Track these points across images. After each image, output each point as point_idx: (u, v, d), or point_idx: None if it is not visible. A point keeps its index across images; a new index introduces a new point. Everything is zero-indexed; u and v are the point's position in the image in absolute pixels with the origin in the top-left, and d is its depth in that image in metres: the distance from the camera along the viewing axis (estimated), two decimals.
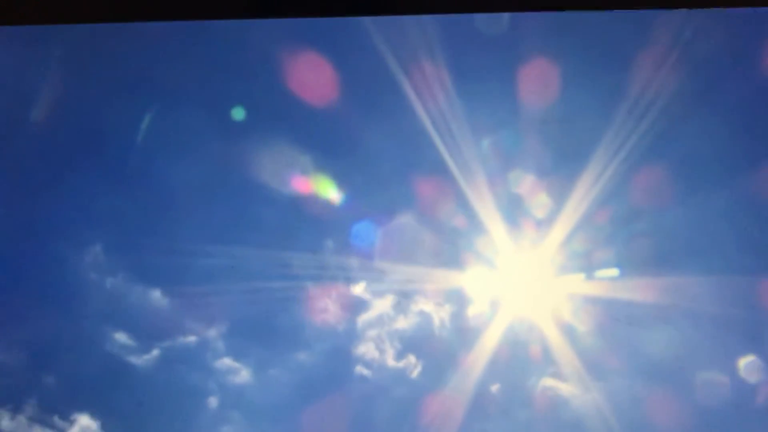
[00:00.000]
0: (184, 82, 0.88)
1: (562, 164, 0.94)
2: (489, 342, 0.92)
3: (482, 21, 0.90)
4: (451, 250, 0.92)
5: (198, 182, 0.90)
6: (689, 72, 0.92)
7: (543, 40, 0.92)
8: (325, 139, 0.87)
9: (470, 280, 0.93)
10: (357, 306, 0.91)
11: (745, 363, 0.94)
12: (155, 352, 0.86)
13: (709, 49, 0.91)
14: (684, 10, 0.83)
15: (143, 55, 0.86)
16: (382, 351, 0.90)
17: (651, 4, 0.83)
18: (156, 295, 0.87)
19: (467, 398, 0.91)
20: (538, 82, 0.93)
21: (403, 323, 0.91)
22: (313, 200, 0.90)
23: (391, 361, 0.90)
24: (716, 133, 0.94)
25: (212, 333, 0.87)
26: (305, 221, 0.90)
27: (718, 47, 0.92)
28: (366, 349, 0.89)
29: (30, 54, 0.86)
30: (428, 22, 0.89)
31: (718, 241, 0.95)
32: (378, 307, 0.91)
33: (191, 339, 0.87)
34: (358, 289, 0.88)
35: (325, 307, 0.91)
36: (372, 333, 0.92)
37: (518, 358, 0.93)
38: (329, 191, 0.89)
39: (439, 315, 0.91)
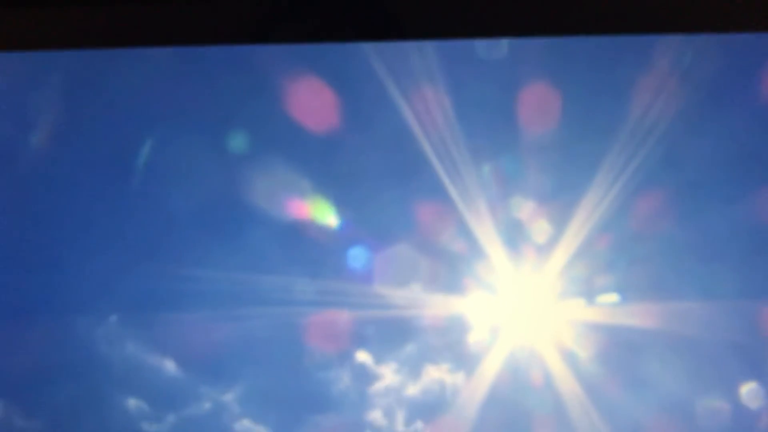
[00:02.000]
0: (183, 107, 0.88)
1: (563, 190, 0.94)
2: (490, 368, 0.92)
3: (482, 47, 0.91)
4: (452, 275, 0.92)
5: (198, 208, 0.90)
6: (689, 97, 0.92)
7: (543, 66, 0.92)
8: (325, 164, 0.87)
9: (470, 305, 0.93)
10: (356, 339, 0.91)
11: (747, 389, 0.94)
12: (170, 419, 0.86)
13: (710, 74, 0.91)
14: (684, 35, 0.83)
15: (140, 82, 0.86)
16: (390, 418, 0.89)
17: (650, 30, 0.83)
18: (170, 364, 0.87)
19: (468, 425, 0.91)
20: (539, 107, 0.93)
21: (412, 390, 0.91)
22: (312, 225, 0.89)
23: (400, 427, 0.89)
24: (717, 158, 0.94)
25: (228, 397, 0.87)
26: (304, 246, 0.90)
27: (719, 72, 0.92)
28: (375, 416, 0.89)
29: (29, 80, 0.86)
30: (428, 47, 0.89)
31: (719, 266, 0.95)
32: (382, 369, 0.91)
33: (207, 405, 0.87)
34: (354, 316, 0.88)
35: (327, 335, 0.91)
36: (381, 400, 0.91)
37: (519, 383, 0.93)
38: (328, 216, 0.89)
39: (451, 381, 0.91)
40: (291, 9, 0.78)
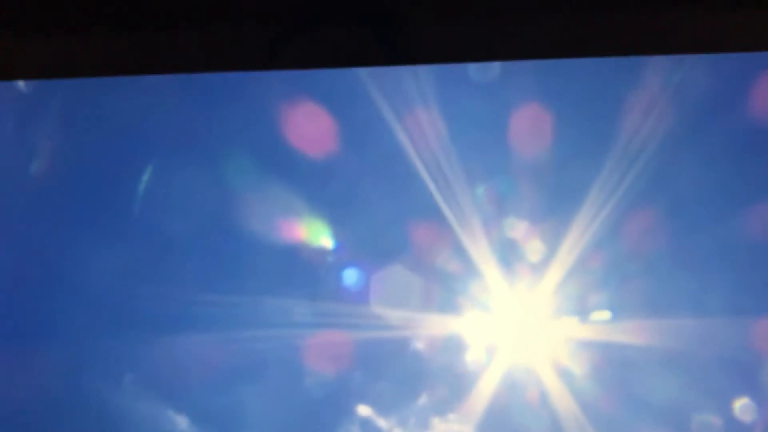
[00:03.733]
0: (181, 134, 0.89)
1: (556, 209, 0.95)
2: (486, 386, 0.93)
3: (475, 70, 0.92)
4: (447, 295, 0.93)
5: (197, 233, 0.91)
6: (680, 117, 0.93)
7: (535, 88, 0.94)
8: (321, 187, 0.89)
9: (466, 324, 0.94)
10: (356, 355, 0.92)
11: (740, 404, 0.95)
12: None
13: (699, 94, 0.93)
14: (672, 56, 0.84)
15: (139, 109, 0.88)
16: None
17: (640, 51, 0.85)
18: (183, 421, 0.88)
19: None
20: (531, 128, 0.94)
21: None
22: (312, 247, 0.91)
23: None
24: (706, 177, 0.96)
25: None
26: (301, 268, 0.91)
27: (708, 92, 0.94)
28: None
29: (32, 108, 0.87)
30: (422, 71, 0.90)
31: (710, 283, 0.97)
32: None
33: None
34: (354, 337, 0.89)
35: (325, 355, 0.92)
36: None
37: (516, 401, 0.94)
38: (326, 238, 0.90)
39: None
40: (291, 36, 0.80)
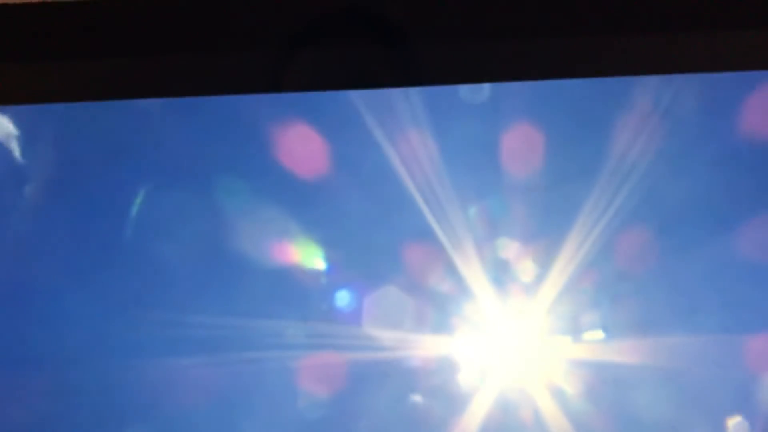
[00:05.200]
0: (171, 157, 0.89)
1: (548, 230, 0.96)
2: (480, 407, 0.93)
3: (466, 91, 0.93)
4: (439, 315, 0.93)
5: (187, 255, 0.91)
6: (670, 136, 0.94)
7: (526, 109, 0.94)
8: (313, 209, 0.89)
9: (459, 344, 0.94)
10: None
11: (734, 423, 0.95)
12: None
13: (690, 113, 0.94)
14: (664, 76, 0.85)
15: (127, 133, 0.88)
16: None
17: (630, 71, 0.86)
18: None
19: None
20: (522, 149, 0.95)
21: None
22: (304, 269, 0.91)
23: None
24: (699, 194, 0.96)
25: None
26: (296, 289, 0.91)
27: (699, 111, 0.94)
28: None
29: (22, 133, 0.88)
30: (413, 93, 0.91)
31: (704, 300, 0.97)
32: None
33: None
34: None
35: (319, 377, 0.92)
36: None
37: (509, 421, 0.94)
38: (318, 259, 0.90)
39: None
40: (283, 60, 0.80)
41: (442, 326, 0.90)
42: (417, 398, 0.91)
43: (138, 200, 0.85)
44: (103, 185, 0.91)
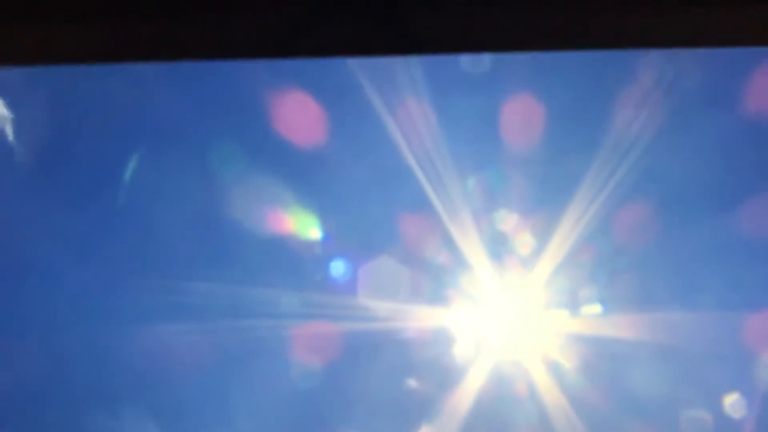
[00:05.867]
0: (168, 123, 0.88)
1: (547, 202, 0.95)
2: (474, 379, 0.92)
3: (466, 61, 0.91)
4: (436, 287, 0.93)
5: (183, 222, 0.90)
6: (672, 111, 0.93)
7: (527, 80, 0.93)
8: (310, 178, 0.88)
9: (455, 317, 0.93)
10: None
11: (731, 399, 0.95)
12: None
13: (692, 88, 0.92)
14: (666, 50, 0.84)
15: (125, 97, 0.87)
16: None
17: (633, 45, 0.84)
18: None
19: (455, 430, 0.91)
20: (523, 121, 0.94)
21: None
22: (299, 238, 0.90)
23: None
24: (699, 170, 0.95)
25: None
26: (291, 258, 0.90)
27: (701, 86, 0.93)
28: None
29: (17, 95, 0.87)
30: (413, 62, 0.90)
31: (702, 277, 0.96)
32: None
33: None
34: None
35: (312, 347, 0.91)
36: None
37: (504, 395, 0.93)
38: (314, 228, 0.89)
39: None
40: (284, 26, 0.79)
41: (437, 298, 0.89)
42: (411, 370, 0.90)
43: (133, 166, 0.85)
44: (97, 151, 0.90)
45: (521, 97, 0.91)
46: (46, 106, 0.85)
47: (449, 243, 0.90)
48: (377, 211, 0.90)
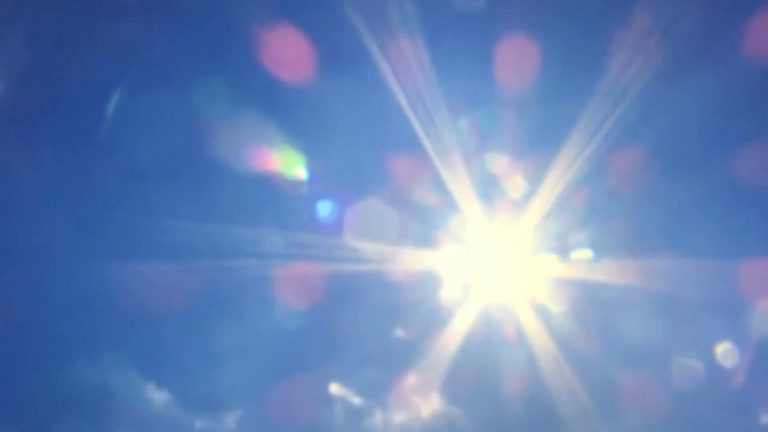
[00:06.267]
0: (152, 55, 0.85)
1: (539, 145, 0.93)
2: (462, 323, 0.91)
3: None
4: (425, 229, 0.90)
5: (166, 158, 0.88)
6: (669, 54, 0.90)
7: (522, 20, 0.90)
8: (297, 115, 0.85)
9: (443, 259, 0.91)
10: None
11: (722, 348, 0.93)
12: None
13: (689, 32, 0.90)
14: None
15: (107, 29, 0.84)
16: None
17: None
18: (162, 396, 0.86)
19: (440, 375, 0.89)
20: (517, 61, 0.91)
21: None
22: (285, 177, 0.88)
23: None
24: (695, 116, 0.93)
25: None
26: (277, 197, 0.88)
27: (698, 30, 0.90)
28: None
29: None
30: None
31: (696, 224, 0.94)
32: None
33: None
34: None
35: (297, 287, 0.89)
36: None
37: (492, 338, 0.92)
38: (301, 168, 0.87)
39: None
40: None
41: (426, 240, 0.87)
42: (398, 312, 0.88)
43: (114, 99, 0.82)
44: (79, 86, 0.87)
45: (516, 37, 0.88)
46: (22, 34, 0.82)
47: (439, 185, 0.88)
48: (366, 150, 0.88)
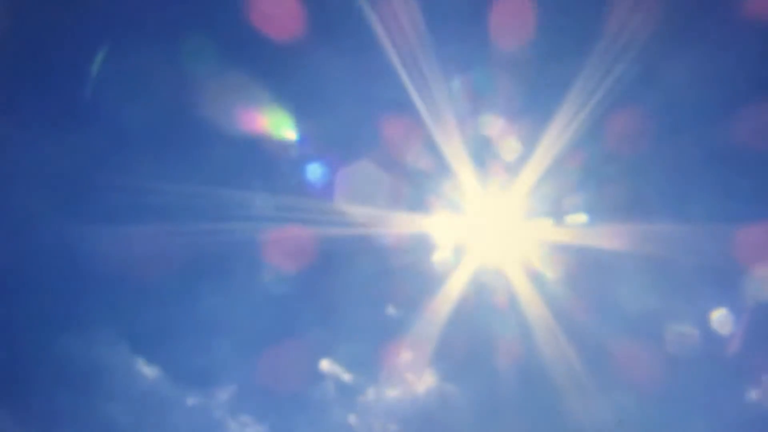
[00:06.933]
0: (138, 15, 0.83)
1: (535, 106, 0.90)
2: (454, 289, 0.89)
3: None
4: (417, 192, 0.89)
5: (154, 119, 0.86)
6: (667, 14, 0.87)
7: None
8: (286, 75, 0.83)
9: (436, 224, 0.90)
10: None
11: (717, 314, 0.92)
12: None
13: None
14: None
15: None
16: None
17: None
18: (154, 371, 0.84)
19: (432, 345, 0.88)
20: (512, 20, 0.89)
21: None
22: (274, 139, 0.86)
23: None
24: (695, 77, 0.90)
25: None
26: (265, 160, 0.86)
27: None
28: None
29: None
30: None
31: (693, 188, 0.92)
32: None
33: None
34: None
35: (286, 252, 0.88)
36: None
37: (484, 305, 0.91)
38: (291, 129, 0.85)
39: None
40: None
41: (418, 204, 0.85)
42: (389, 277, 0.87)
43: (99, 59, 0.79)
44: (63, 43, 0.85)
45: None
46: None
47: (431, 147, 0.86)
48: (357, 112, 0.86)
